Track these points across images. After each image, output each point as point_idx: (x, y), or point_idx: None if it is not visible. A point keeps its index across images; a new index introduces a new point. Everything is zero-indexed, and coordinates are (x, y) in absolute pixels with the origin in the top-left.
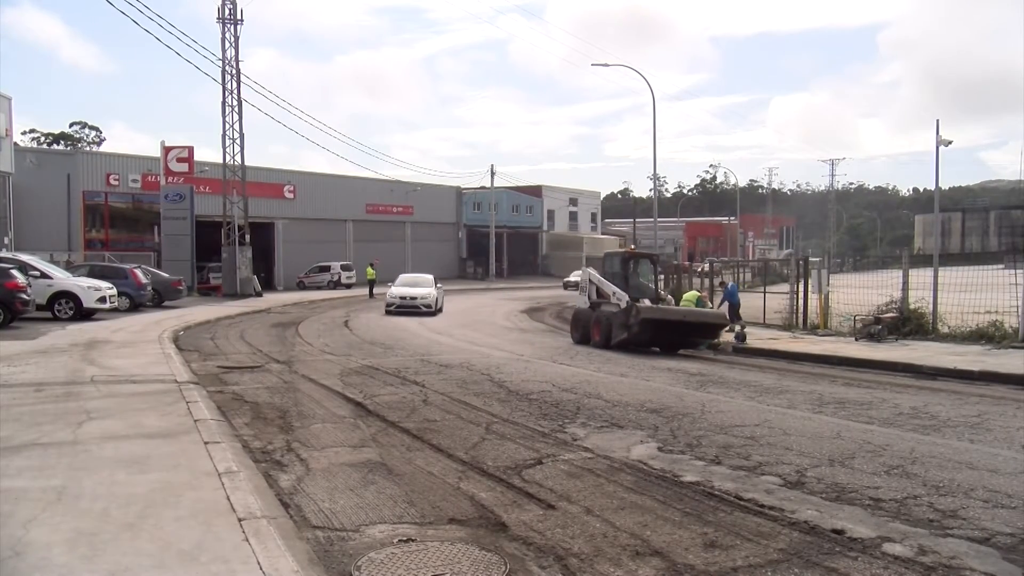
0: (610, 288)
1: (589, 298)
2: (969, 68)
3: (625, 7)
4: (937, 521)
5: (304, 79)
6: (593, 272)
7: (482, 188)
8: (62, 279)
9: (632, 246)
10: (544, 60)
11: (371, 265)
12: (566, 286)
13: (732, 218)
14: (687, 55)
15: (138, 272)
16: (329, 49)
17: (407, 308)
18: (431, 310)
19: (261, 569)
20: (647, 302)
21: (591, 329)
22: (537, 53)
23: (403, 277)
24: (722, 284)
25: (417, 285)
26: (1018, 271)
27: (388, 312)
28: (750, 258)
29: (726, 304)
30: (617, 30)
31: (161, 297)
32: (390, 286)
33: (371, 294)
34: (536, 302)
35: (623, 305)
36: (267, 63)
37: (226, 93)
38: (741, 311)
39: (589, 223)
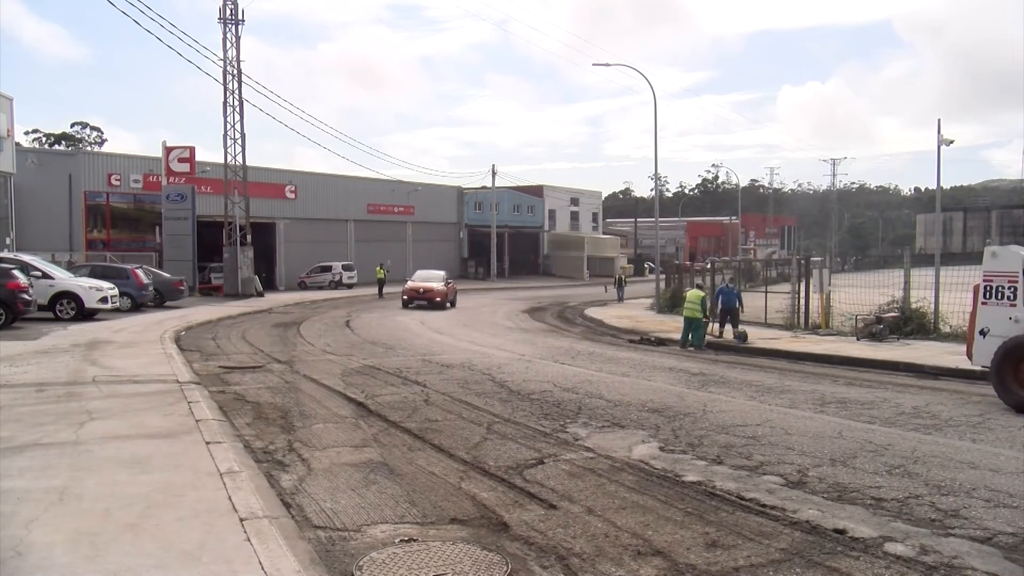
0: None
1: None
2: (974, 66)
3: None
4: (939, 521)
5: (300, 75)
6: None
7: (483, 188)
8: (64, 279)
9: None
10: (545, 58)
11: (381, 266)
12: None
13: (733, 218)
14: (690, 51)
15: (140, 272)
16: (326, 44)
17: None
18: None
19: (263, 569)
20: None
21: None
22: (538, 50)
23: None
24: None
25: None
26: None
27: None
28: (755, 258)
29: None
30: (619, 25)
31: (163, 297)
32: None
33: (380, 294)
34: (537, 302)
35: None
36: (259, 56)
37: (227, 93)
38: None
39: (590, 223)
